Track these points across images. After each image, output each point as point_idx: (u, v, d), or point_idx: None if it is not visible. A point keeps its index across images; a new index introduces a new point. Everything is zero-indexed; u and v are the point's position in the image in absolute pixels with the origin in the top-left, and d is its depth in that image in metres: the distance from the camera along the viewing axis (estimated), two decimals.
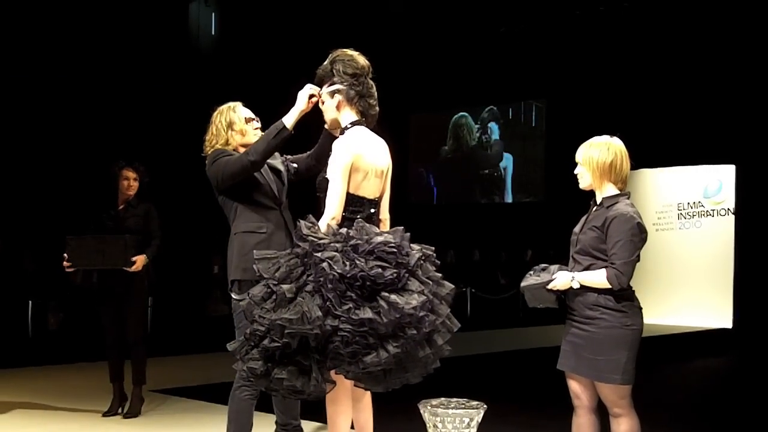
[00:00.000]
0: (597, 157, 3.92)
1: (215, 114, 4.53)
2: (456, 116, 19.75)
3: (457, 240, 17.30)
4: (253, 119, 4.53)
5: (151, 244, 6.33)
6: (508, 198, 19.18)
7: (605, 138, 3.98)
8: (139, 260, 6.17)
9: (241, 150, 4.39)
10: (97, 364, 7.78)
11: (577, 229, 4.04)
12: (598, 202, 3.97)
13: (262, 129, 4.45)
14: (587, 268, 3.89)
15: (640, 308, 3.93)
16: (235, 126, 4.46)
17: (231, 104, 4.54)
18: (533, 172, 18.78)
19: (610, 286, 3.80)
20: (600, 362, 3.83)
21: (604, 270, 3.82)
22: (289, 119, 4.13)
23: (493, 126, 19.21)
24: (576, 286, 3.88)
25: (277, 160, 4.57)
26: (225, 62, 15.59)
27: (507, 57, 17.07)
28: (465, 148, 19.74)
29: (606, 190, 3.95)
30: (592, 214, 3.98)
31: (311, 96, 4.06)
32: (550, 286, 3.93)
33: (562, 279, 3.91)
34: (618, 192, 3.94)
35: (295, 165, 4.63)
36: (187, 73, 14.65)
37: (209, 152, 4.44)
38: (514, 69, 17.21)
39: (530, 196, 18.82)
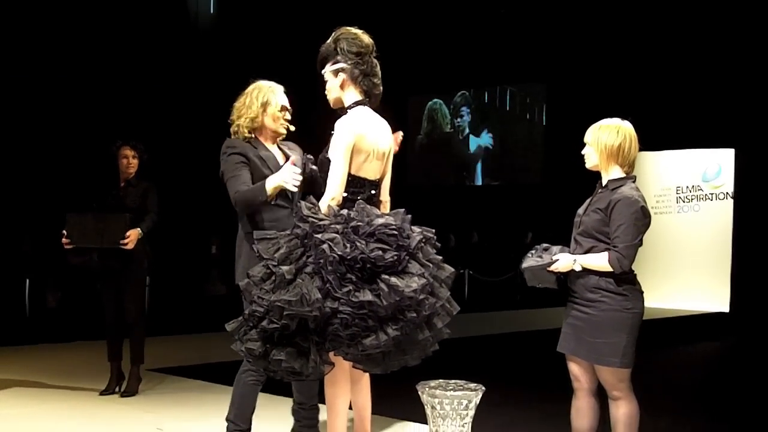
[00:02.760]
0: (605, 139, 3.90)
1: (253, 87, 4.47)
2: (430, 102, 19.80)
3: (453, 222, 17.28)
4: (287, 110, 4.50)
5: (145, 218, 6.30)
6: (478, 182, 19.32)
7: (616, 121, 3.96)
8: (133, 233, 6.14)
9: (267, 129, 4.40)
10: (95, 342, 7.78)
11: (581, 210, 4.02)
12: (603, 185, 3.96)
13: (291, 121, 4.47)
14: (589, 250, 3.88)
15: (642, 292, 3.92)
16: (269, 108, 4.42)
17: (273, 86, 4.49)
18: (504, 157, 18.96)
19: (611, 269, 3.80)
20: (600, 345, 3.83)
21: (606, 253, 3.81)
22: (269, 186, 4.04)
23: (465, 111, 19.32)
24: (578, 268, 3.87)
25: (297, 158, 4.52)
26: (224, 42, 15.53)
27: (506, 39, 16.99)
28: (439, 133, 19.81)
29: (612, 172, 3.93)
30: (597, 196, 3.96)
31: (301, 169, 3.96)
32: (551, 268, 3.93)
33: (564, 261, 3.90)
34: (624, 175, 3.92)
35: (315, 168, 4.58)
36: (186, 53, 14.60)
37: (233, 129, 4.42)
38: (512, 52, 17.14)
39: (499, 180, 18.95)
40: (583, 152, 4.00)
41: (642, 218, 3.81)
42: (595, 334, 3.84)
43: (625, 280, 3.84)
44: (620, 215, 3.79)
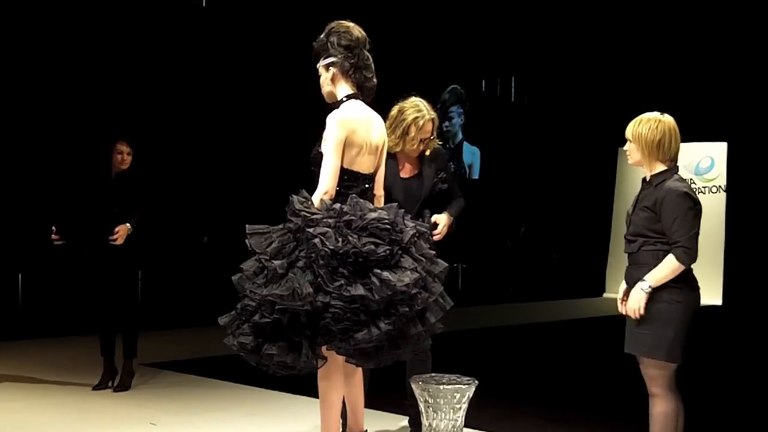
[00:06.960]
0: (646, 134, 3.85)
1: (411, 107, 4.63)
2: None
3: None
4: (426, 141, 4.64)
5: (135, 213, 6.29)
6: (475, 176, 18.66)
7: (655, 114, 3.90)
8: (122, 229, 6.15)
9: (403, 151, 4.60)
10: (88, 337, 7.77)
11: (629, 209, 3.99)
12: (648, 180, 3.92)
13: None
14: (641, 247, 3.83)
15: (695, 288, 3.91)
16: (408, 138, 4.59)
17: (428, 117, 4.62)
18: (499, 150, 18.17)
19: (683, 267, 3.75)
20: (645, 337, 3.76)
21: (670, 256, 3.75)
22: None
23: (456, 112, 16.96)
24: (648, 290, 3.77)
25: (429, 173, 4.69)
26: (216, 34, 15.49)
27: (494, 33, 16.94)
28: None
29: (655, 168, 3.89)
30: (642, 193, 3.92)
31: None
32: (622, 311, 3.87)
33: (636, 296, 3.79)
34: (666, 168, 3.87)
35: (444, 185, 4.76)
36: (178, 45, 14.55)
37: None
38: (498, 46, 17.07)
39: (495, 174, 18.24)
40: (624, 148, 3.97)
41: (693, 207, 3.78)
42: (642, 326, 3.77)
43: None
44: (672, 210, 3.74)
